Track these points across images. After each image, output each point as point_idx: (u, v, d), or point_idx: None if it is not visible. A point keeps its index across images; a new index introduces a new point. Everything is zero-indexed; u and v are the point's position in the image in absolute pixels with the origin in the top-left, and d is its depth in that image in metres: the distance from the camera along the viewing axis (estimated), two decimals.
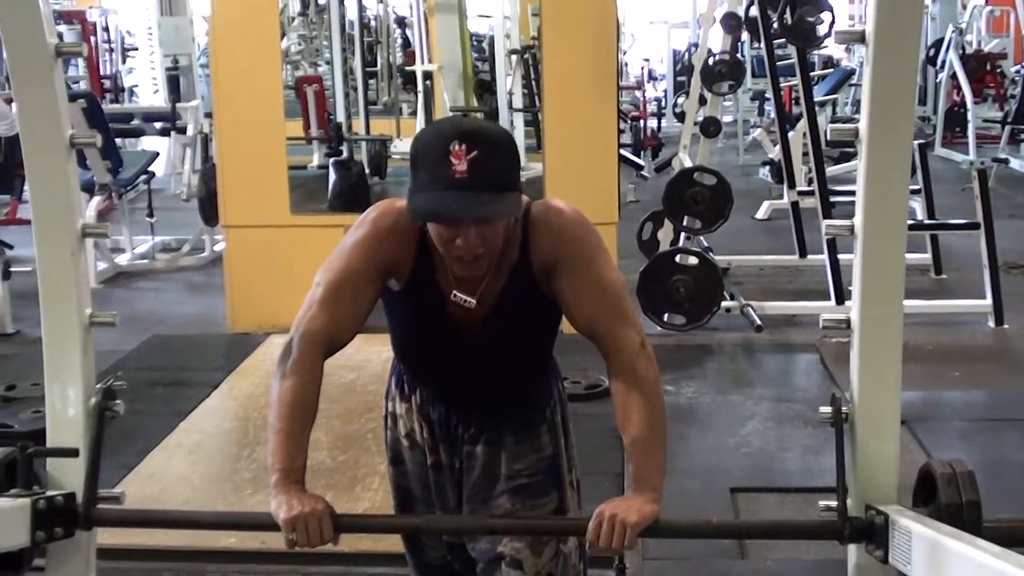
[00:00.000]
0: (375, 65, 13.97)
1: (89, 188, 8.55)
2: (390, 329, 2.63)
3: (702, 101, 8.23)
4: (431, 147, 2.29)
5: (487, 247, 2.33)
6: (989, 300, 7.06)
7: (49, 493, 2.46)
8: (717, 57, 7.59)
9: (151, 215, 9.21)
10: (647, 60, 17.15)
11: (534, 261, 2.44)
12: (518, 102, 11.94)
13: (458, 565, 2.76)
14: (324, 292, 2.43)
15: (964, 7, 17.18)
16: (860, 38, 2.32)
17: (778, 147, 9.40)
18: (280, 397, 2.36)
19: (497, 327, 2.50)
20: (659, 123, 15.54)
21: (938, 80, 14.97)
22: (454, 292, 2.46)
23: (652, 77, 18.04)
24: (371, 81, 13.34)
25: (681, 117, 11.14)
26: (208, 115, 8.79)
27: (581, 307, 2.43)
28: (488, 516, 2.59)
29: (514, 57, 12.04)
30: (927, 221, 8.05)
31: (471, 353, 2.53)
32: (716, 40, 7.83)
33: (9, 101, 8.88)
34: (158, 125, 10.58)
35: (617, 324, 2.42)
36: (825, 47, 14.53)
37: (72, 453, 2.50)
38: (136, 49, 15.04)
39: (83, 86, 11.97)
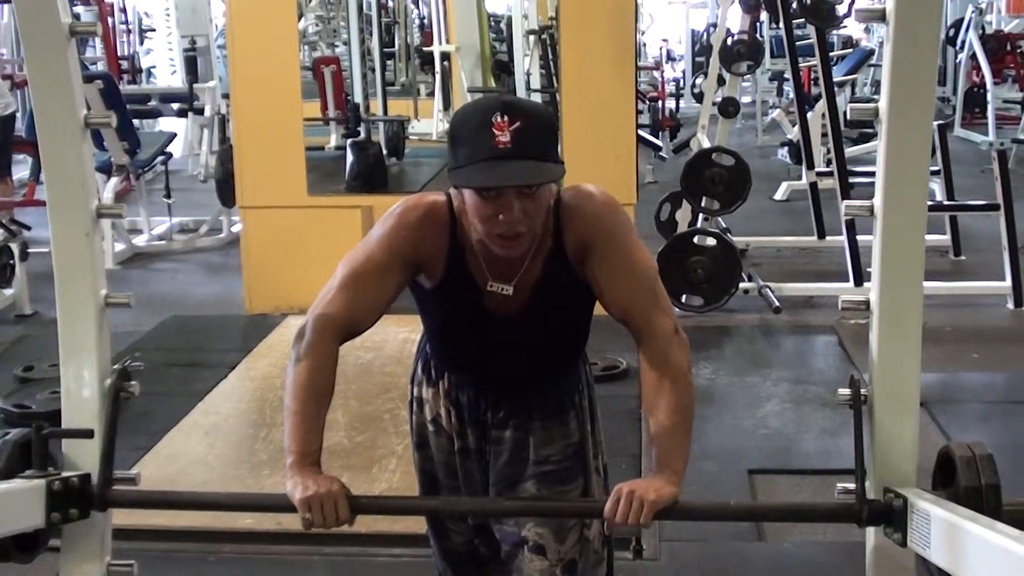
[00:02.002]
0: (393, 46, 13.93)
1: (107, 169, 8.57)
2: (425, 325, 2.63)
3: (721, 81, 8.18)
4: (472, 121, 2.29)
5: (529, 224, 2.29)
6: (1008, 282, 7.02)
7: (64, 474, 2.45)
8: (736, 37, 7.56)
9: (168, 196, 9.21)
10: (665, 40, 17.13)
11: (568, 247, 2.42)
12: (536, 83, 11.88)
13: (484, 549, 2.75)
14: (343, 279, 2.41)
15: None
16: (880, 16, 2.30)
17: (797, 128, 9.35)
18: (295, 380, 2.36)
19: (535, 316, 2.48)
20: (677, 104, 15.52)
21: (958, 61, 14.86)
22: (490, 282, 2.44)
23: (670, 57, 18.04)
24: (389, 62, 13.30)
25: (699, 98, 11.10)
26: (225, 96, 8.80)
27: (615, 292, 2.41)
28: (504, 498, 2.58)
29: (532, 37, 11.98)
30: (946, 202, 8.00)
31: (508, 344, 2.52)
32: (735, 20, 7.79)
33: (5, 78, 8.89)
34: (175, 106, 10.59)
35: (651, 309, 2.41)
36: (844, 27, 14.44)
37: (87, 434, 2.50)
38: (153, 30, 15.04)
39: (100, 67, 11.96)
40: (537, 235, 2.38)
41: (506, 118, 2.23)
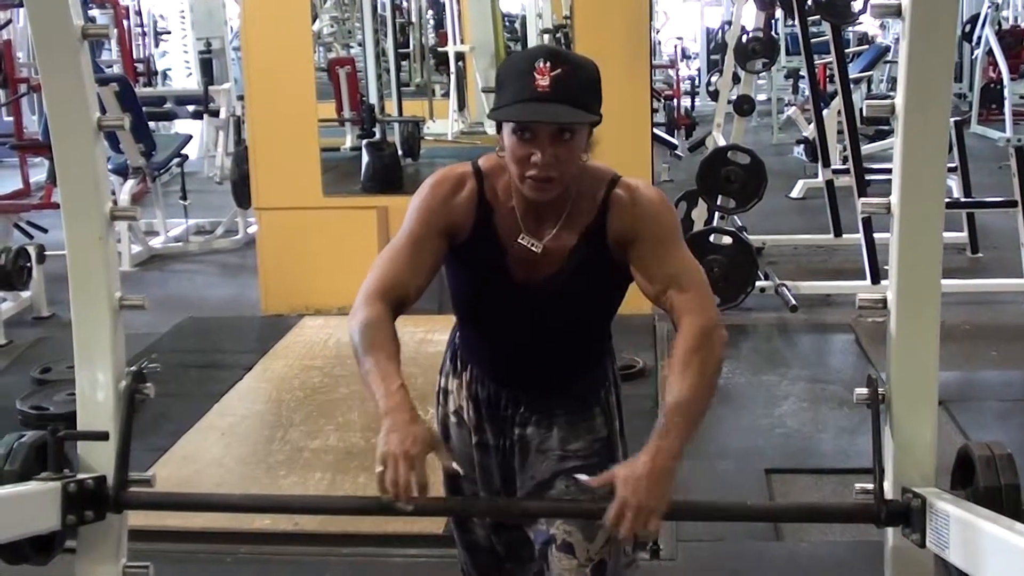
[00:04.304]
0: (407, 46, 13.93)
1: (123, 171, 8.59)
2: (451, 291, 2.61)
3: (736, 79, 8.17)
4: (517, 66, 2.34)
5: (560, 170, 2.32)
6: None
7: (80, 476, 2.46)
8: (751, 35, 7.54)
9: (184, 198, 9.23)
10: (680, 38, 17.09)
11: (611, 229, 2.43)
12: None
13: (501, 547, 2.74)
14: (385, 255, 2.44)
15: None
16: (896, 11, 2.28)
17: (812, 125, 9.32)
18: (354, 345, 2.33)
19: (560, 286, 2.47)
20: (693, 102, 15.45)
21: (974, 57, 14.81)
22: (521, 235, 2.45)
23: (685, 55, 17.97)
24: (403, 62, 13.31)
25: (715, 96, 11.06)
26: (241, 98, 8.81)
27: (662, 268, 2.39)
28: (508, 498, 2.58)
29: (546, 36, 12.00)
30: (963, 199, 7.97)
31: (530, 316, 2.50)
32: (750, 17, 7.77)
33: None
34: (191, 108, 10.60)
35: (698, 293, 2.40)
36: (860, 23, 14.40)
37: (102, 436, 2.50)
38: (169, 32, 15.05)
39: (116, 70, 11.99)
40: (568, 190, 2.40)
41: (548, 64, 2.28)
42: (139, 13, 15.08)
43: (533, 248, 2.45)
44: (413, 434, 2.18)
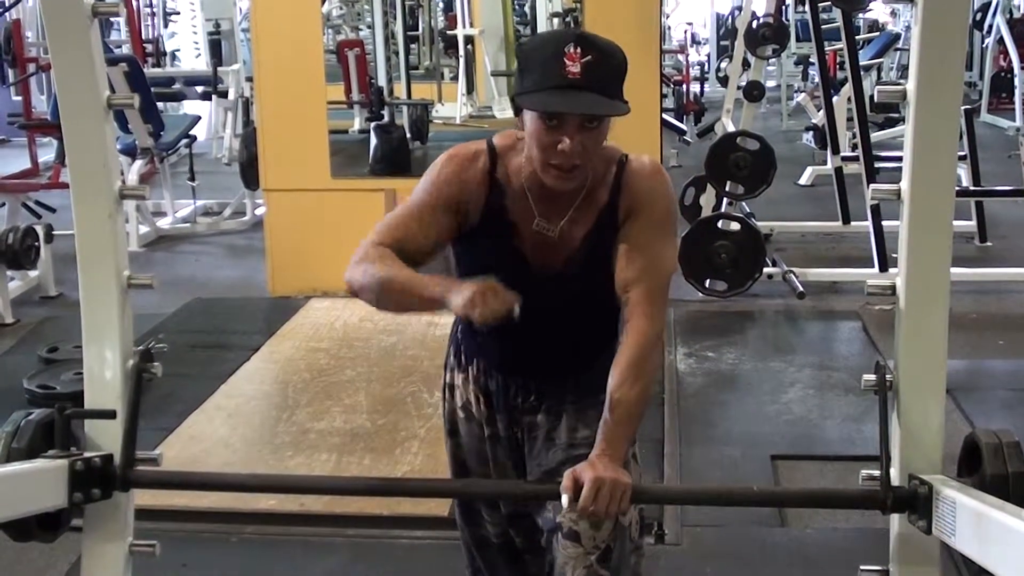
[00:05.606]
0: (416, 29, 13.90)
1: (131, 152, 8.59)
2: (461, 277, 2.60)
3: (745, 65, 8.14)
4: (544, 48, 2.30)
5: (584, 158, 2.31)
6: None
7: (87, 455, 2.45)
8: (761, 20, 7.51)
9: (193, 179, 9.24)
10: (690, 23, 17.05)
11: (622, 209, 2.44)
12: None
13: (520, 539, 2.73)
14: (389, 216, 2.42)
15: None
16: None
17: (822, 112, 9.30)
18: (369, 271, 2.30)
19: (574, 271, 2.46)
20: (702, 87, 15.43)
21: (985, 45, 14.75)
22: (536, 220, 2.44)
23: (695, 41, 17.94)
24: (412, 45, 13.27)
25: (724, 81, 11.04)
26: (249, 79, 8.81)
27: (640, 255, 2.40)
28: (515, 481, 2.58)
29: (556, 20, 11.96)
30: (972, 188, 7.95)
31: (542, 302, 2.45)
32: (760, 3, 7.74)
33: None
34: (200, 89, 10.60)
35: (658, 301, 2.40)
36: (870, 10, 14.36)
37: (109, 415, 2.49)
38: (178, 13, 15.05)
39: (125, 50, 11.98)
40: (587, 177, 2.38)
41: (579, 50, 2.24)
42: None
43: (549, 233, 2.44)
44: (476, 279, 2.19)
